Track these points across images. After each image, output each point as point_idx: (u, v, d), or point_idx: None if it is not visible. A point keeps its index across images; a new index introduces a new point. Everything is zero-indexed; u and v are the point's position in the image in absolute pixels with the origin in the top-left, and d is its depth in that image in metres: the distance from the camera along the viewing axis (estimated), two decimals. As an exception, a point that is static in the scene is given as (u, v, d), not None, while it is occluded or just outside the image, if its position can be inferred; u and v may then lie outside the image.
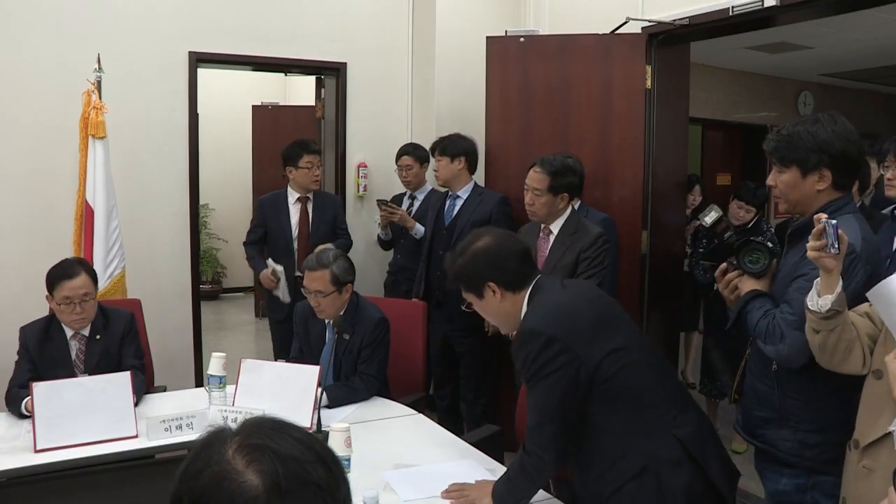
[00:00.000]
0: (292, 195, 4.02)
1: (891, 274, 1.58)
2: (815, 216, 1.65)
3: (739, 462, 2.35)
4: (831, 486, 1.87)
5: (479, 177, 4.14)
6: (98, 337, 2.81)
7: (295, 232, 3.98)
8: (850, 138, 1.88)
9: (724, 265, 2.09)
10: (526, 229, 3.34)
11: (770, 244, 2.05)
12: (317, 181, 4.03)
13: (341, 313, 2.81)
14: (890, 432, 1.55)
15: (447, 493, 1.99)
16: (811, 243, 1.65)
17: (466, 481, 2.04)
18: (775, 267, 2.02)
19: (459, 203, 3.87)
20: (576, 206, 3.30)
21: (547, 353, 1.82)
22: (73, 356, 2.78)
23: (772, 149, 1.95)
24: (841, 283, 1.66)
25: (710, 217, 2.21)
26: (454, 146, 3.85)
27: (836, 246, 1.61)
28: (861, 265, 1.79)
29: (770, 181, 2.00)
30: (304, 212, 4.01)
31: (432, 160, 4.00)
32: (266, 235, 4.02)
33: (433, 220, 3.92)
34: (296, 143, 4.08)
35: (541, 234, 3.21)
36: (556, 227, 3.16)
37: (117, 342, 2.85)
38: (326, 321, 2.86)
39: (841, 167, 1.88)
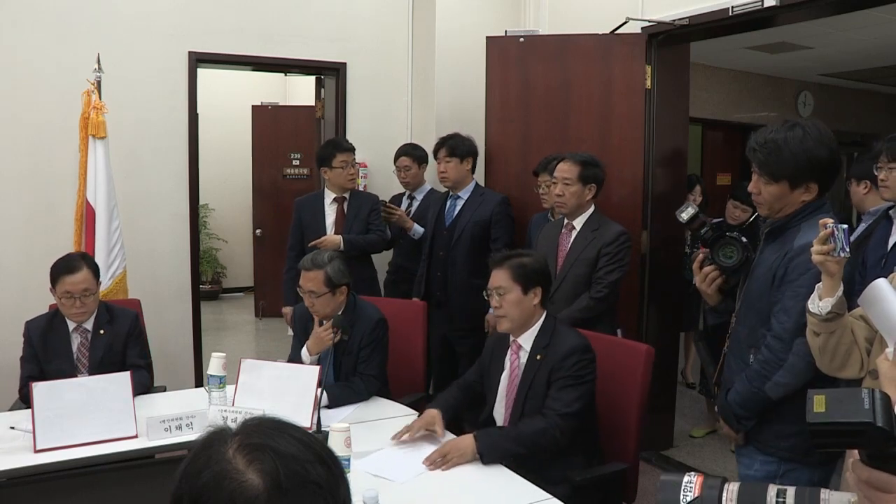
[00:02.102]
0: (329, 196, 3.93)
1: (886, 275, 1.59)
2: (821, 221, 1.66)
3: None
4: (799, 477, 1.95)
5: (479, 177, 4.14)
6: (102, 332, 2.86)
7: (331, 232, 3.88)
8: (833, 147, 1.94)
9: (700, 256, 2.10)
10: (549, 226, 3.39)
11: (744, 238, 2.07)
12: (352, 180, 3.93)
13: (339, 313, 2.80)
14: None
15: (432, 464, 2.14)
16: (816, 247, 1.66)
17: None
18: (752, 261, 2.05)
19: (460, 203, 3.86)
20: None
21: (593, 364, 2.33)
22: (75, 349, 2.84)
23: (760, 162, 1.97)
24: (842, 286, 1.67)
25: (686, 213, 2.20)
26: (463, 147, 3.84)
27: (847, 250, 1.61)
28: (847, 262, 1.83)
29: (752, 188, 2.02)
30: (340, 212, 3.91)
31: (432, 161, 3.99)
32: (303, 237, 3.90)
33: (433, 220, 3.91)
34: (329, 142, 4.04)
35: (563, 231, 3.26)
36: (578, 224, 3.22)
37: (122, 340, 2.90)
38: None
39: (828, 179, 1.96)
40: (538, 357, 2.35)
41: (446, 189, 3.94)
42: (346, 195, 3.93)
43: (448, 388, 2.63)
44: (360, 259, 3.85)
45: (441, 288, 3.78)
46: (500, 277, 2.38)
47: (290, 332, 3.80)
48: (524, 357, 2.40)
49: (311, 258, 2.82)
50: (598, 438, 2.44)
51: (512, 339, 2.44)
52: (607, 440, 2.47)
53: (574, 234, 3.22)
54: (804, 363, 1.86)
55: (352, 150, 3.94)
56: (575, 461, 2.29)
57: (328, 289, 2.75)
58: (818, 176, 1.93)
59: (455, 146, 3.83)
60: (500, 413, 2.44)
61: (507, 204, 3.85)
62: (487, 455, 2.16)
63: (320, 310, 2.79)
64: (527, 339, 2.40)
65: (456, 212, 3.86)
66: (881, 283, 1.51)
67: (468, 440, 2.19)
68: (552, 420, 2.22)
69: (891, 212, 2.75)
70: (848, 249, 1.62)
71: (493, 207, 3.79)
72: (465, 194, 3.86)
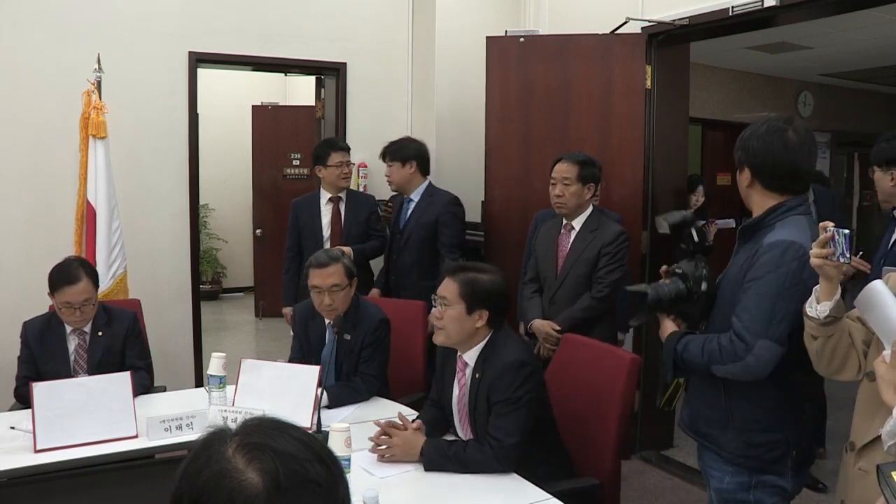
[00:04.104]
0: (324, 195, 3.91)
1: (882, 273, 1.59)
2: (821, 224, 1.62)
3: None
4: (773, 484, 1.92)
5: (479, 177, 4.14)
6: (100, 334, 2.85)
7: (327, 233, 3.87)
8: (814, 149, 1.94)
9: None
10: (547, 226, 3.39)
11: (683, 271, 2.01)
12: (346, 179, 3.92)
13: (342, 314, 2.81)
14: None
15: (376, 438, 2.20)
16: (815, 251, 1.62)
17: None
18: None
19: (412, 206, 3.86)
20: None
21: (531, 380, 2.18)
22: (72, 351, 2.83)
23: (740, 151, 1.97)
24: (840, 290, 1.65)
25: (666, 223, 2.13)
26: (403, 151, 3.82)
27: (848, 255, 1.58)
28: None
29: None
30: (335, 212, 3.90)
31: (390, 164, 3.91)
32: (300, 238, 3.91)
33: (393, 223, 3.94)
34: (324, 141, 4.04)
35: (562, 231, 3.27)
36: (577, 224, 3.23)
37: (120, 340, 2.89)
38: (327, 322, 2.87)
39: (768, 174, 1.90)
40: (477, 375, 2.24)
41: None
42: (342, 195, 3.94)
43: (424, 408, 2.58)
44: (357, 262, 3.85)
45: (393, 291, 3.81)
46: (448, 288, 2.25)
47: (292, 333, 3.81)
48: (469, 373, 2.29)
49: (325, 255, 2.84)
50: (562, 450, 2.34)
51: (458, 354, 2.33)
52: (584, 450, 2.37)
53: (573, 234, 3.23)
54: (760, 365, 1.80)
55: (347, 149, 3.95)
56: (538, 473, 2.16)
57: (349, 279, 2.80)
58: (748, 161, 1.92)
59: (395, 150, 3.83)
60: (460, 431, 2.37)
61: (456, 204, 3.83)
62: (429, 468, 2.14)
63: (341, 304, 2.79)
64: (471, 356, 2.29)
65: (408, 214, 3.86)
66: (878, 286, 1.50)
67: (418, 446, 2.16)
68: (496, 451, 2.11)
69: (895, 212, 2.75)
70: (849, 255, 1.58)
71: (440, 209, 3.78)
72: (415, 196, 3.86)
